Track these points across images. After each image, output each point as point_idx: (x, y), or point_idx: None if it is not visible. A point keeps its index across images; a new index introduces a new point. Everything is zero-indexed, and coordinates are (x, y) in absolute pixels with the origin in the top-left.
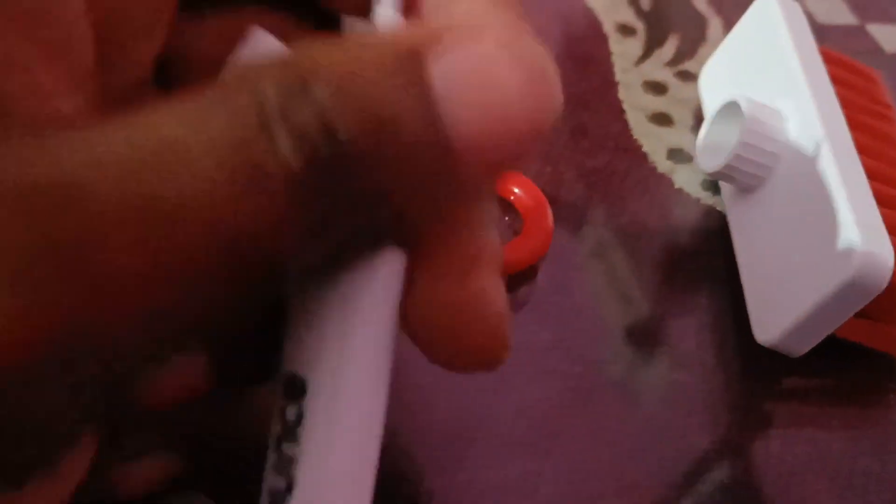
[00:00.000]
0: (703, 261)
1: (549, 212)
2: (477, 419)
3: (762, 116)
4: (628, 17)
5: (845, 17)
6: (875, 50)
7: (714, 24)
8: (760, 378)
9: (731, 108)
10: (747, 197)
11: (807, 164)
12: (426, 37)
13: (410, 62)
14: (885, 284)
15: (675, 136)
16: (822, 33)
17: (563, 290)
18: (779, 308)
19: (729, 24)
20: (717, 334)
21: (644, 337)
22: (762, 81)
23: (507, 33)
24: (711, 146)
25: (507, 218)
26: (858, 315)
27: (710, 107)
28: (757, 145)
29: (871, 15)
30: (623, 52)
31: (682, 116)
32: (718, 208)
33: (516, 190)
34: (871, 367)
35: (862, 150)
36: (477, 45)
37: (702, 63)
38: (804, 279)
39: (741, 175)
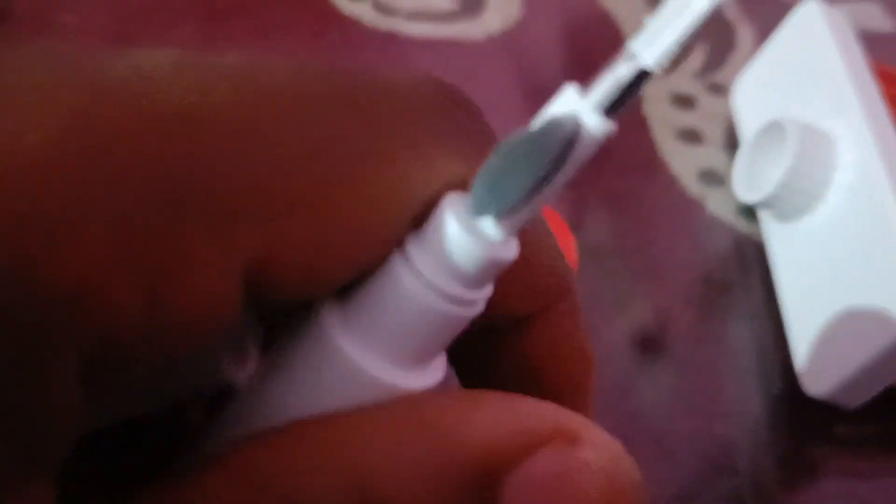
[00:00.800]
0: (740, 295)
1: (574, 243)
2: None
3: (810, 140)
4: None
5: (881, 23)
6: None
7: (743, 31)
8: (809, 428)
9: (772, 130)
10: (790, 226)
11: (860, 193)
12: (510, 448)
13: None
14: None
15: (705, 156)
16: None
17: (590, 331)
18: (831, 358)
19: (759, 30)
20: (760, 379)
21: (679, 384)
22: (806, 99)
23: (605, 443)
24: (750, 172)
25: None
26: None
27: (745, 125)
28: (805, 172)
29: None
30: None
31: (713, 133)
32: (755, 237)
33: None
34: None
35: None
36: (569, 457)
37: (731, 74)
38: (859, 327)
39: (785, 204)
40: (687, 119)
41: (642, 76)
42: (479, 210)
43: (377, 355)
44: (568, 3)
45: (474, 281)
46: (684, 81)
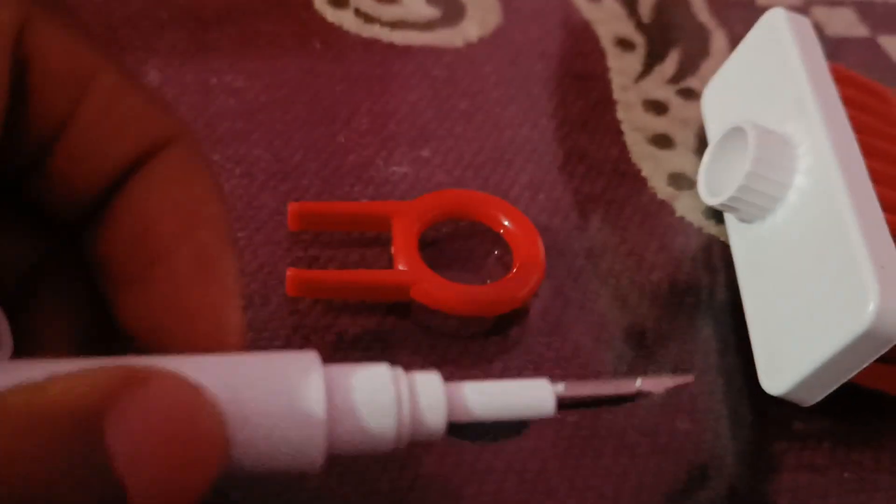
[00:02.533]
0: (705, 295)
1: (541, 244)
2: (464, 475)
3: (770, 145)
4: (627, 30)
5: (856, 28)
6: (888, 64)
7: (718, 36)
8: (769, 423)
9: (735, 135)
10: (752, 228)
11: (817, 197)
12: (101, 393)
13: (85, 432)
14: None
15: (676, 160)
16: (832, 47)
17: (557, 330)
18: (787, 357)
19: (733, 37)
20: (722, 376)
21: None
22: (769, 104)
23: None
24: (714, 175)
25: (496, 252)
26: (876, 360)
27: (713, 129)
28: (764, 176)
29: (883, 25)
30: (622, 68)
31: (684, 138)
32: (722, 238)
33: (506, 222)
34: (886, 411)
35: (878, 179)
36: (147, 400)
37: (705, 79)
38: (814, 327)
39: (746, 206)
40: (659, 124)
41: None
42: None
43: None
44: (547, 13)
45: (413, 440)
46: (658, 87)
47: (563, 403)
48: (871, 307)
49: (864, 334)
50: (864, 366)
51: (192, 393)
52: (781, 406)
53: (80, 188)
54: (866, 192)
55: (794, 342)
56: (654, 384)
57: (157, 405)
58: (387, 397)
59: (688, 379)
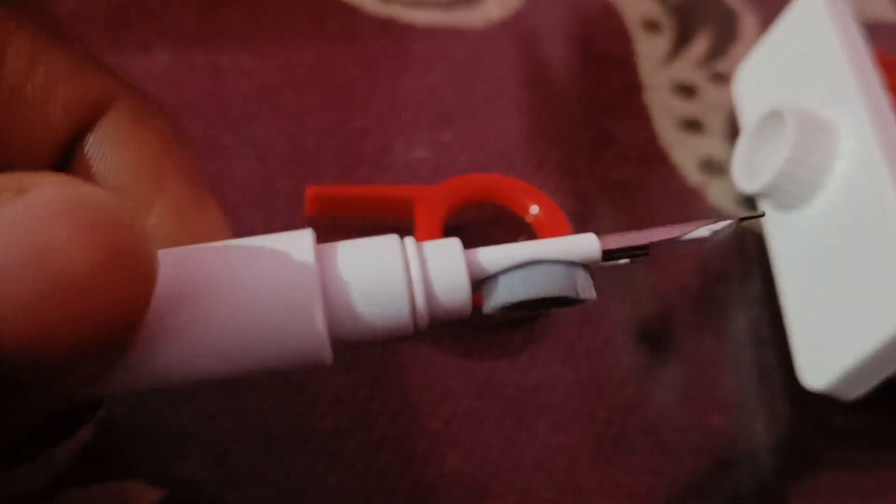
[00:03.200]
0: (738, 287)
1: (572, 231)
2: (491, 472)
3: (810, 128)
4: (653, 11)
5: (888, 13)
6: None
7: (747, 18)
8: (807, 419)
9: (772, 119)
10: (790, 216)
11: (859, 183)
12: None
13: None
14: None
15: (706, 145)
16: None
17: (586, 322)
18: (829, 350)
19: (762, 19)
20: (758, 370)
21: (676, 375)
22: (807, 87)
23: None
24: (750, 161)
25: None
26: None
27: (746, 114)
28: (804, 161)
29: None
30: (649, 51)
31: (714, 123)
32: (755, 228)
33: (533, 208)
34: None
35: None
36: (26, 203)
37: (734, 63)
38: (858, 319)
39: (785, 194)
40: (688, 108)
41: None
42: (491, 295)
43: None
44: None
45: (439, 319)
46: (686, 70)
47: (611, 252)
48: None
49: None
50: None
51: (94, 210)
52: (819, 402)
53: (23, 166)
54: None
55: (836, 335)
56: (704, 229)
57: (30, 221)
58: (392, 265)
59: (757, 214)
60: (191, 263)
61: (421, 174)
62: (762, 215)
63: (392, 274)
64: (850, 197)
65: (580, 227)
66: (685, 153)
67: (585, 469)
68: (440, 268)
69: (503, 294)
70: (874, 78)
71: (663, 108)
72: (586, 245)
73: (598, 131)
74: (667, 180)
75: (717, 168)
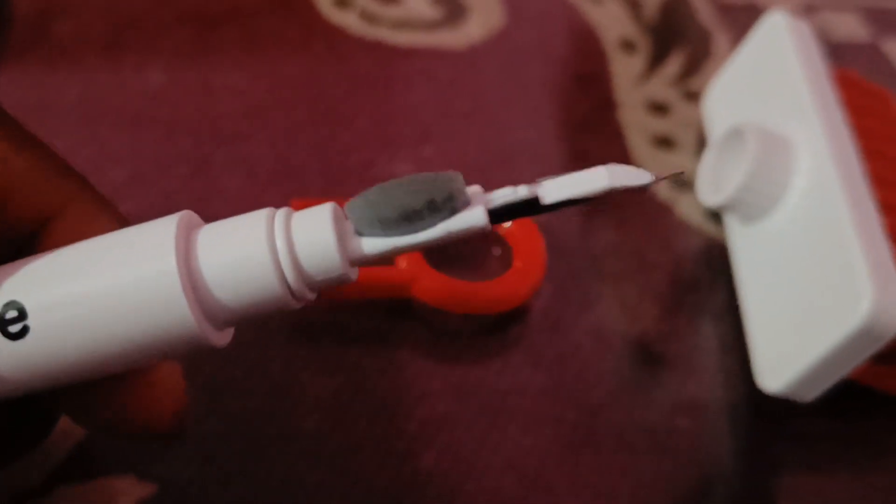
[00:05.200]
0: (704, 295)
1: (543, 243)
2: (463, 471)
3: (769, 145)
4: (630, 32)
5: (859, 32)
6: (889, 69)
7: (720, 38)
8: (768, 422)
9: (734, 136)
10: (751, 228)
11: (814, 197)
12: None
13: None
14: (895, 331)
15: (677, 161)
16: (834, 50)
17: (557, 329)
18: (784, 354)
19: (735, 39)
20: (722, 375)
21: (642, 379)
22: (768, 105)
23: None
24: (713, 177)
25: (498, 250)
26: (871, 358)
27: (714, 131)
28: (764, 176)
29: (886, 31)
30: (624, 70)
31: (686, 139)
32: (722, 240)
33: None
34: (884, 410)
35: (877, 180)
36: None
37: (707, 81)
38: (810, 324)
39: (746, 207)
40: (661, 126)
41: (533, 203)
42: (354, 215)
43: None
44: (550, 14)
45: (318, 286)
46: (660, 89)
47: (498, 212)
48: (866, 304)
49: (858, 331)
50: (860, 363)
51: None
52: (780, 405)
53: None
54: (862, 193)
55: (791, 340)
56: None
57: None
58: (257, 239)
59: (676, 173)
60: (60, 262)
61: None
62: (681, 174)
63: (256, 248)
64: (806, 210)
65: (552, 239)
66: (657, 169)
67: (554, 468)
68: (308, 235)
69: (366, 210)
70: (831, 97)
71: (637, 125)
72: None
73: (574, 148)
74: (638, 196)
75: (686, 183)
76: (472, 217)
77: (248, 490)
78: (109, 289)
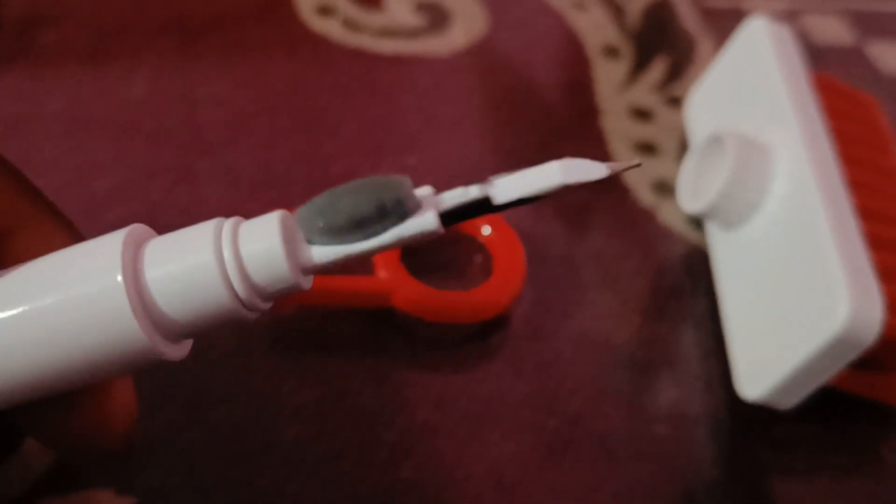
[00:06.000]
0: (686, 302)
1: (522, 251)
2: (444, 479)
3: (748, 152)
4: (614, 38)
5: (843, 36)
6: (872, 73)
7: (703, 44)
8: (748, 429)
9: (714, 142)
10: (731, 235)
11: (793, 204)
12: None
13: None
14: (873, 339)
15: (659, 167)
16: (818, 54)
17: (538, 337)
18: (763, 362)
19: (718, 45)
20: (702, 382)
21: (622, 386)
22: (749, 111)
23: None
24: (693, 183)
25: (478, 259)
26: (850, 365)
27: (695, 137)
28: (743, 183)
29: (872, 32)
30: (607, 76)
31: (669, 146)
32: (704, 246)
33: (485, 228)
34: (864, 415)
35: (856, 186)
36: None
37: (690, 87)
38: (789, 332)
39: (725, 214)
40: (644, 132)
41: (483, 203)
42: (304, 223)
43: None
44: (534, 21)
45: (269, 296)
46: (643, 95)
47: (450, 214)
48: (843, 312)
49: (836, 339)
50: (838, 370)
51: None
52: (760, 411)
53: None
54: (841, 199)
55: (770, 347)
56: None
57: None
58: (203, 252)
59: (632, 164)
60: (10, 282)
61: None
62: (638, 164)
63: (203, 259)
64: (784, 217)
65: (533, 247)
66: (639, 175)
67: (534, 475)
68: (255, 245)
69: (315, 219)
70: (811, 102)
71: (619, 131)
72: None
73: (556, 154)
74: (620, 202)
75: (668, 189)
76: (424, 222)
77: (229, 499)
78: (59, 306)
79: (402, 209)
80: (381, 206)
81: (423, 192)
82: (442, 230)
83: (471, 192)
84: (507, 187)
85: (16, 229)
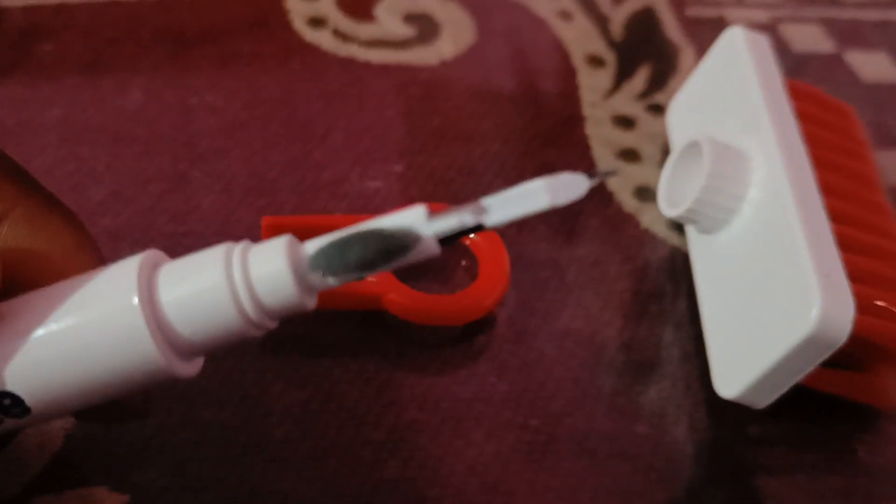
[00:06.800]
0: (667, 304)
1: (506, 255)
2: (428, 477)
3: (725, 158)
4: (598, 48)
5: (823, 44)
6: (852, 80)
7: (686, 53)
8: (725, 427)
9: (692, 149)
10: (710, 239)
11: (768, 209)
12: None
13: None
14: (844, 339)
15: (642, 173)
16: (799, 63)
17: (521, 338)
18: (739, 361)
19: (701, 53)
20: (682, 382)
21: (603, 387)
22: (727, 118)
23: None
24: (673, 188)
25: (463, 262)
26: (824, 364)
27: (676, 144)
28: (719, 189)
29: (848, 41)
30: (592, 85)
31: (651, 152)
32: (684, 249)
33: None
34: (840, 414)
35: (830, 191)
36: None
37: (672, 95)
38: (764, 332)
39: (703, 218)
40: (627, 139)
41: (478, 228)
42: (316, 267)
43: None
44: (521, 31)
45: (277, 315)
46: (626, 103)
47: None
48: (815, 313)
49: (807, 339)
50: (811, 369)
51: None
52: (738, 410)
53: None
54: (814, 205)
55: (745, 347)
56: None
57: None
58: (214, 276)
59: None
60: (28, 309)
61: (374, 203)
62: (614, 173)
63: (215, 283)
64: (760, 222)
65: (519, 251)
66: (622, 181)
67: (516, 474)
68: (263, 269)
69: (328, 266)
70: (787, 110)
71: (603, 138)
72: (410, 214)
73: (541, 161)
74: (604, 207)
75: (650, 195)
76: (425, 251)
77: (220, 497)
78: (80, 328)
79: (406, 253)
80: (388, 254)
81: (418, 213)
82: (440, 253)
83: (465, 219)
84: (498, 210)
85: (9, 212)
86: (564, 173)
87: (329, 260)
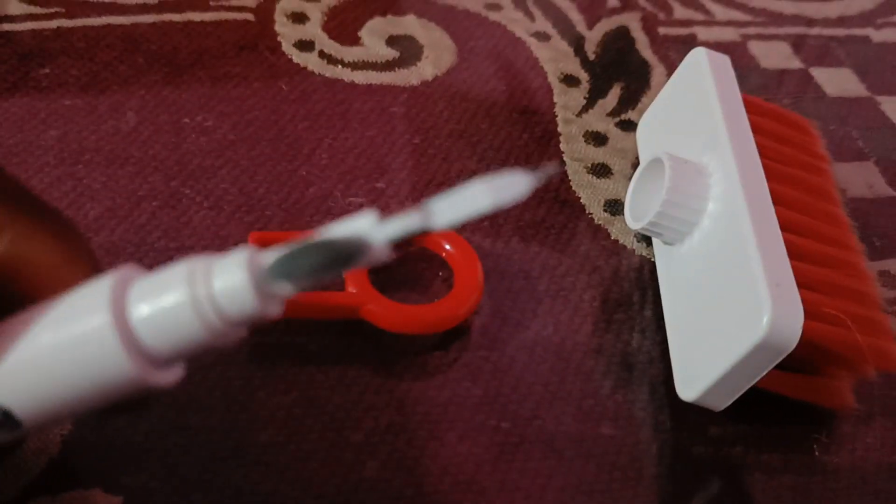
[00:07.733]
0: (634, 312)
1: (480, 266)
2: (404, 477)
3: (685, 174)
4: (573, 67)
5: (790, 61)
6: (819, 94)
7: (658, 71)
8: (687, 429)
9: (655, 164)
10: (673, 250)
11: (725, 221)
12: None
13: None
14: (794, 344)
15: (612, 187)
16: (767, 78)
17: (495, 346)
18: (698, 366)
19: (672, 72)
20: (646, 386)
21: (572, 391)
22: (690, 135)
23: None
24: (638, 202)
25: (441, 274)
26: (779, 367)
27: (645, 159)
28: (679, 203)
29: (815, 58)
30: (566, 102)
31: (621, 167)
32: (652, 259)
33: (447, 246)
34: (796, 416)
35: (787, 203)
36: None
37: (643, 112)
38: (720, 338)
39: (665, 230)
40: (599, 154)
41: (426, 230)
42: (274, 275)
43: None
44: (499, 52)
45: (241, 324)
46: (599, 120)
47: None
48: (765, 320)
49: (759, 344)
50: (764, 373)
51: None
52: (699, 413)
53: None
54: (768, 217)
55: (704, 352)
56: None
57: None
58: (177, 290)
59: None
60: (22, 349)
61: None
62: (556, 173)
63: (177, 301)
64: (717, 233)
65: (493, 262)
66: (593, 194)
67: (487, 473)
68: (224, 281)
69: (282, 275)
70: (745, 128)
71: (576, 154)
72: (361, 221)
73: None
74: (576, 219)
75: (620, 207)
76: (376, 255)
77: (207, 499)
78: (56, 344)
79: (357, 259)
80: (340, 261)
81: (369, 220)
82: (391, 256)
83: (411, 223)
84: (443, 213)
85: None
86: (506, 173)
87: (285, 268)
